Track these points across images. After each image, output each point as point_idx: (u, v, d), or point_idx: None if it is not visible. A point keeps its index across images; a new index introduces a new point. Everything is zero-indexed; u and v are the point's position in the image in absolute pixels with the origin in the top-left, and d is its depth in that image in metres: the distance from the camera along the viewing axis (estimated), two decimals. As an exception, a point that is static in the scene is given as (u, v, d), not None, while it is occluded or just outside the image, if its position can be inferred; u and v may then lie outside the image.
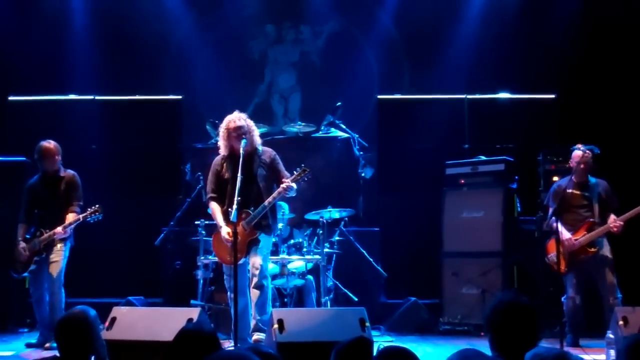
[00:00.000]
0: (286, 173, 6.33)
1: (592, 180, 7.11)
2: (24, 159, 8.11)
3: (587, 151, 6.98)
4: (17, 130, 9.13)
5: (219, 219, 6.28)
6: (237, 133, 6.24)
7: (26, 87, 9.53)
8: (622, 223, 6.83)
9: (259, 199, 6.19)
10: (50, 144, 6.92)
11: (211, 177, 6.45)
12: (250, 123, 6.39)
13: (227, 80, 10.05)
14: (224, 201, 6.29)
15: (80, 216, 6.71)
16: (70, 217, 6.75)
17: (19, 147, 8.30)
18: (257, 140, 6.42)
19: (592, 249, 6.93)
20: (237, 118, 6.33)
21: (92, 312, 3.73)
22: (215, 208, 6.36)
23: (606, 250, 7.00)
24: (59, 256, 6.75)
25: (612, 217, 6.94)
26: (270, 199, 6.17)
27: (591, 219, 6.99)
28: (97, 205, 6.73)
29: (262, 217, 6.19)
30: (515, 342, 3.00)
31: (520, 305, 3.06)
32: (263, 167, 6.34)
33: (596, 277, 6.99)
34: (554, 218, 6.60)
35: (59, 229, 6.67)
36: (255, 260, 6.12)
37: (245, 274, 6.15)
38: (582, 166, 6.94)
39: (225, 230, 6.16)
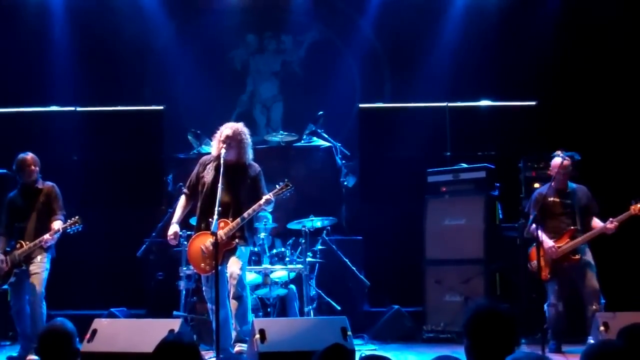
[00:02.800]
0: (265, 191, 6.33)
1: (572, 186, 7.15)
2: (4, 171, 8.06)
3: (567, 158, 7.02)
4: (-2, 142, 9.09)
5: (176, 216, 6.40)
6: (224, 141, 6.26)
7: (6, 98, 9.47)
8: (617, 224, 6.85)
9: (237, 211, 6.19)
10: (27, 155, 6.90)
11: (192, 175, 6.50)
12: (244, 138, 6.40)
13: (209, 91, 10.06)
14: (196, 201, 6.36)
15: (61, 227, 6.68)
16: (57, 225, 6.71)
17: (0, 159, 8.26)
18: (248, 154, 6.42)
19: (576, 257, 6.95)
20: (232, 128, 6.36)
21: (70, 324, 3.73)
22: (180, 203, 6.48)
23: (588, 257, 7.02)
24: (40, 268, 6.70)
25: (595, 220, 6.97)
26: (250, 210, 6.17)
27: (573, 227, 7.02)
28: (76, 217, 6.70)
29: (239, 229, 6.19)
30: (492, 349, 3.01)
31: (497, 312, 3.07)
32: (246, 181, 6.34)
33: (579, 283, 7.01)
34: (534, 226, 6.62)
35: (47, 236, 6.62)
36: (233, 271, 6.11)
37: (224, 285, 6.13)
38: (561, 173, 6.98)
39: (172, 230, 6.31)
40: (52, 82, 9.69)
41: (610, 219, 6.88)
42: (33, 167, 6.87)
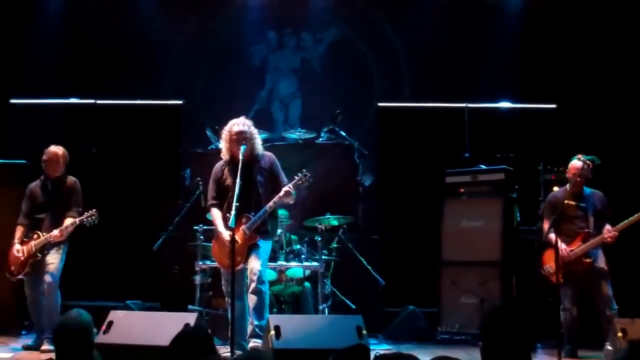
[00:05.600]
0: (285, 179, 6.34)
1: (587, 190, 7.10)
2: (25, 161, 8.11)
3: (588, 162, 6.97)
4: (18, 133, 9.14)
5: (220, 224, 6.26)
6: (239, 138, 6.24)
7: (28, 90, 9.53)
8: (616, 233, 6.82)
9: (258, 205, 6.20)
10: (59, 150, 6.96)
11: (212, 185, 6.44)
12: (253, 130, 6.40)
13: (228, 86, 10.07)
14: (226, 207, 6.29)
15: (77, 219, 6.71)
16: (68, 221, 6.75)
17: (20, 149, 8.32)
18: (259, 147, 6.42)
19: (588, 260, 6.90)
20: (241, 123, 6.34)
21: (87, 314, 3.72)
22: (216, 214, 6.35)
23: (601, 262, 6.97)
24: (56, 259, 6.74)
25: (607, 227, 6.92)
26: (271, 203, 6.17)
27: (586, 230, 6.97)
28: (93, 210, 6.71)
29: (261, 222, 6.18)
30: (507, 352, 2.98)
31: (514, 315, 3.04)
32: (262, 173, 6.34)
33: (592, 289, 6.96)
34: (551, 230, 6.62)
35: (56, 232, 6.67)
36: (254, 266, 6.11)
37: (244, 280, 6.14)
38: (578, 178, 6.94)
39: (227, 234, 6.08)
40: (73, 75, 9.74)
41: (608, 228, 6.85)
42: (61, 161, 6.91)
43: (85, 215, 6.71)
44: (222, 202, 6.33)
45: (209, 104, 10.01)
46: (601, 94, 9.17)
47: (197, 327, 4.91)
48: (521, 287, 7.92)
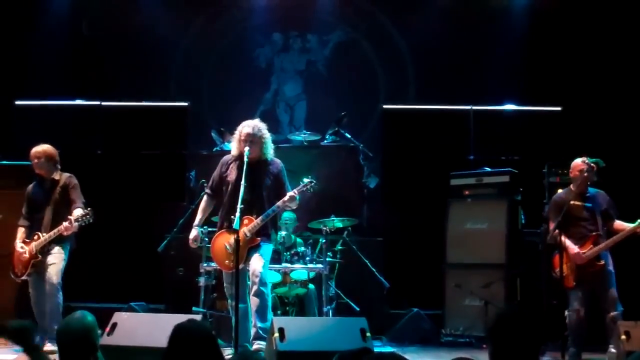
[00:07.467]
0: (289, 187, 6.35)
1: (592, 190, 7.04)
2: (30, 163, 8.12)
3: (592, 164, 6.92)
4: (24, 134, 9.15)
5: (197, 218, 6.42)
6: (246, 139, 6.26)
7: (33, 91, 9.57)
8: None
9: (261, 208, 6.21)
10: (35, 148, 6.89)
11: (214, 174, 6.51)
12: (265, 134, 6.40)
13: (233, 88, 10.10)
14: (219, 201, 6.38)
15: (73, 217, 6.66)
16: (77, 212, 6.67)
17: (26, 151, 8.30)
18: (269, 150, 6.43)
19: (600, 263, 6.85)
20: (251, 125, 6.35)
21: (91, 316, 3.72)
22: (203, 205, 6.48)
23: (610, 264, 6.94)
24: (57, 259, 6.70)
25: (620, 223, 6.86)
26: (274, 207, 6.19)
27: (596, 232, 6.93)
28: (89, 209, 6.68)
29: (263, 225, 6.19)
30: (516, 355, 2.97)
31: (524, 318, 3.02)
32: (269, 177, 6.36)
33: (599, 290, 6.91)
34: (557, 232, 6.59)
35: (66, 223, 6.59)
36: (255, 268, 6.12)
37: (245, 281, 6.15)
38: (585, 174, 6.87)
39: (193, 234, 6.33)
40: (78, 76, 9.77)
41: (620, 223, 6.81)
42: (37, 161, 6.87)
43: (80, 214, 6.65)
44: (217, 195, 6.38)
45: (214, 105, 10.06)
46: (606, 96, 9.17)
47: (194, 325, 4.41)
48: (525, 290, 7.91)
